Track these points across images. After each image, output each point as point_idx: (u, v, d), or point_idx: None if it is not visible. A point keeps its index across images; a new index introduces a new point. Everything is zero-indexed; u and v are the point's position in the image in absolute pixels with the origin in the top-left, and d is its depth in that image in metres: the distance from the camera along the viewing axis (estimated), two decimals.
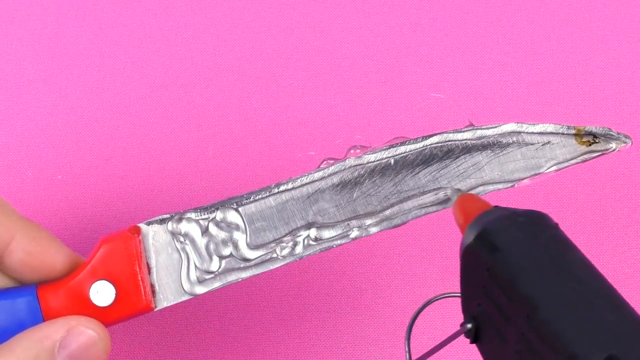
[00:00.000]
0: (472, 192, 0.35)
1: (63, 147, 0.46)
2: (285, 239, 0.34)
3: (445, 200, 0.35)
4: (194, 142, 0.46)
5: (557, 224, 0.28)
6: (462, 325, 0.29)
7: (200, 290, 0.34)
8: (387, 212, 0.35)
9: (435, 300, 0.32)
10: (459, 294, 0.30)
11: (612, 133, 0.34)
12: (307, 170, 0.35)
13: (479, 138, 0.34)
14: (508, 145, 0.35)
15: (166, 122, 0.46)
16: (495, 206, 0.30)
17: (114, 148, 0.46)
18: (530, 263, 0.26)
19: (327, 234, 0.34)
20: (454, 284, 0.30)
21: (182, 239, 0.34)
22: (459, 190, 0.34)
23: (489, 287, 0.27)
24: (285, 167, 0.46)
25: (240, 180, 0.46)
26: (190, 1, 0.47)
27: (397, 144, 0.35)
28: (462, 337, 0.29)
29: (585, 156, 0.34)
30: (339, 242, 0.34)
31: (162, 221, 0.34)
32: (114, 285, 0.32)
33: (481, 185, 0.35)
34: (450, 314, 0.43)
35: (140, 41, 0.47)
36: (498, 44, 0.47)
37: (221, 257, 0.34)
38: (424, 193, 0.35)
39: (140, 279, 0.33)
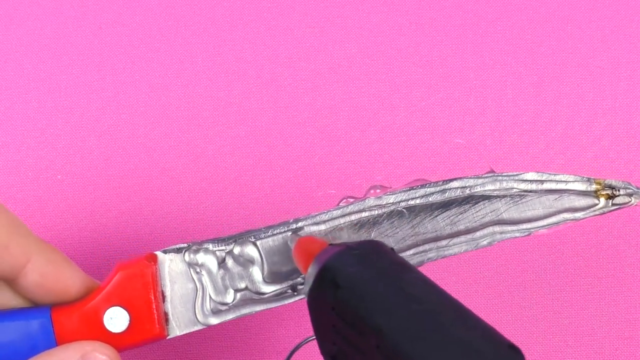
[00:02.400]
0: (488, 238, 0.35)
1: (63, 147, 0.46)
2: (303, 275, 0.34)
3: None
4: (194, 142, 0.46)
5: (392, 249, 0.29)
6: None
7: (213, 321, 0.34)
8: (404, 253, 0.35)
9: (302, 345, 0.32)
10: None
11: (631, 187, 0.34)
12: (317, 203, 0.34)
13: (500, 189, 0.35)
14: (527, 193, 0.35)
15: (166, 122, 0.46)
16: (330, 244, 0.30)
17: (114, 148, 0.46)
18: (370, 293, 0.26)
19: None
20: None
21: (198, 269, 0.34)
22: (296, 235, 0.34)
23: (339, 325, 0.27)
24: (286, 166, 0.46)
25: (241, 181, 0.46)
26: (190, 1, 0.47)
27: (417, 186, 0.35)
28: None
29: (604, 209, 0.34)
30: None
31: (179, 250, 0.34)
32: (128, 312, 0.32)
33: (499, 234, 0.35)
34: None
35: (140, 41, 0.47)
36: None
37: (236, 290, 0.34)
38: (441, 236, 0.35)
39: (154, 307, 0.33)
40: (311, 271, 0.29)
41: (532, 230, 0.35)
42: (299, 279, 0.35)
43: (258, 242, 0.34)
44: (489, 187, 0.34)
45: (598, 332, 0.45)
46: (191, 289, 0.34)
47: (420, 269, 0.34)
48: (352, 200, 0.35)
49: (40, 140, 0.46)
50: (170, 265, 0.34)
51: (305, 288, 0.29)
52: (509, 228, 0.35)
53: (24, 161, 0.46)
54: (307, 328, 0.45)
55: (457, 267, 0.45)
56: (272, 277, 0.34)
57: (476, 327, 0.24)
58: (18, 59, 0.47)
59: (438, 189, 0.35)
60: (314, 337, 0.30)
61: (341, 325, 0.27)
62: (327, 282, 0.27)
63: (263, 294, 0.34)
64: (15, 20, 0.47)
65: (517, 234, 0.35)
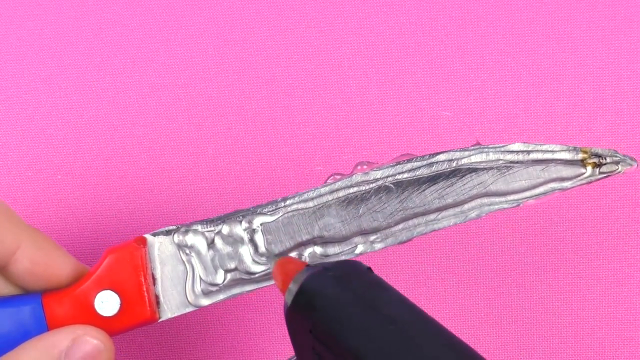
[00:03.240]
0: (476, 210, 0.35)
1: (63, 147, 0.46)
2: (291, 253, 0.34)
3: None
4: (194, 142, 0.46)
5: (369, 268, 0.29)
6: None
7: (204, 302, 0.34)
8: (393, 228, 0.35)
9: None
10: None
11: (617, 155, 0.34)
12: (310, 184, 0.35)
13: (487, 161, 0.35)
14: (514, 164, 0.35)
15: (166, 122, 0.46)
16: (307, 265, 0.30)
17: (114, 148, 0.46)
18: (346, 315, 0.26)
19: (332, 249, 0.34)
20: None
21: (187, 251, 0.34)
22: (276, 255, 0.34)
23: (316, 347, 0.27)
24: (284, 168, 0.46)
25: (241, 181, 0.46)
26: (190, 1, 0.47)
27: (404, 161, 0.35)
28: None
29: (591, 177, 0.35)
30: (344, 257, 0.34)
31: (168, 232, 0.34)
32: (118, 296, 0.32)
33: (487, 205, 0.35)
34: None
35: (140, 41, 0.47)
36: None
37: (226, 270, 0.34)
38: (429, 210, 0.35)
39: (145, 289, 0.33)
40: (289, 292, 0.29)
41: (521, 200, 0.35)
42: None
43: (246, 222, 0.34)
44: (476, 158, 0.35)
45: (597, 335, 0.45)
46: (181, 270, 0.34)
47: (409, 243, 0.35)
48: (339, 177, 0.35)
49: (40, 140, 0.46)
50: (160, 248, 0.34)
51: (284, 309, 0.29)
52: (497, 199, 0.35)
53: (24, 161, 0.46)
54: None
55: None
56: (262, 257, 0.34)
57: (450, 346, 0.25)
58: (18, 59, 0.47)
59: (425, 162, 0.35)
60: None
61: (319, 348, 0.27)
62: (303, 305, 0.28)
63: (253, 273, 0.34)
64: (15, 20, 0.47)
65: (506, 205, 0.35)
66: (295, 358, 0.31)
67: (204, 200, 0.45)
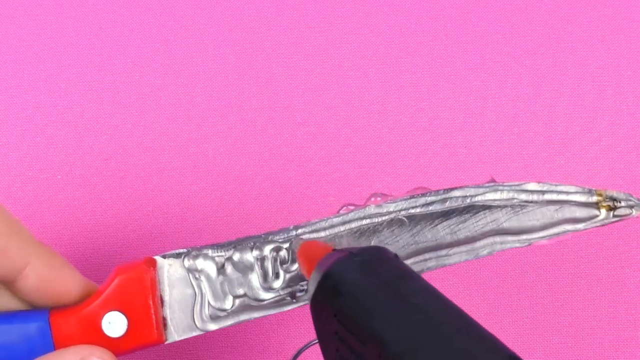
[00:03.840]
0: (488, 248, 0.35)
1: (63, 147, 0.46)
2: (302, 282, 0.34)
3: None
4: (194, 142, 0.46)
5: (396, 255, 0.28)
6: None
7: (212, 327, 0.34)
8: (404, 262, 0.34)
9: (305, 349, 0.32)
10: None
11: (632, 199, 0.34)
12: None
13: (501, 199, 0.34)
14: (528, 203, 0.34)
15: (166, 122, 0.46)
16: (333, 249, 0.30)
17: (114, 148, 0.46)
18: (372, 301, 0.26)
19: None
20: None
21: (197, 275, 0.34)
22: (300, 238, 0.34)
23: (341, 332, 0.27)
24: (284, 168, 0.46)
25: (241, 181, 0.46)
26: (190, 1, 0.47)
27: (418, 194, 0.34)
28: None
29: (605, 220, 0.34)
30: None
31: (179, 255, 0.34)
32: (126, 317, 0.32)
33: (499, 244, 0.35)
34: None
35: (140, 41, 0.47)
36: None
37: (235, 296, 0.34)
38: (441, 245, 0.35)
39: (152, 312, 0.33)
40: (314, 277, 0.28)
41: (533, 240, 0.35)
42: (298, 287, 0.34)
43: (257, 249, 0.34)
44: (490, 196, 0.34)
45: (597, 335, 0.45)
46: (190, 294, 0.34)
47: None
48: (352, 207, 0.35)
49: (40, 140, 0.46)
50: (169, 270, 0.34)
51: (308, 293, 0.29)
52: (510, 238, 0.35)
53: (24, 161, 0.46)
54: (309, 329, 0.45)
55: (454, 268, 0.45)
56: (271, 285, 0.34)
57: (478, 338, 0.24)
58: (18, 59, 0.47)
59: (439, 197, 0.34)
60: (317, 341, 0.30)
61: (343, 333, 0.26)
62: (329, 289, 0.27)
63: (262, 300, 0.34)
64: (15, 20, 0.47)
65: (517, 244, 0.35)
66: (315, 342, 0.31)
67: (204, 200, 0.45)
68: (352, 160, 0.46)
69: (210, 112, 0.46)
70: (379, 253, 0.28)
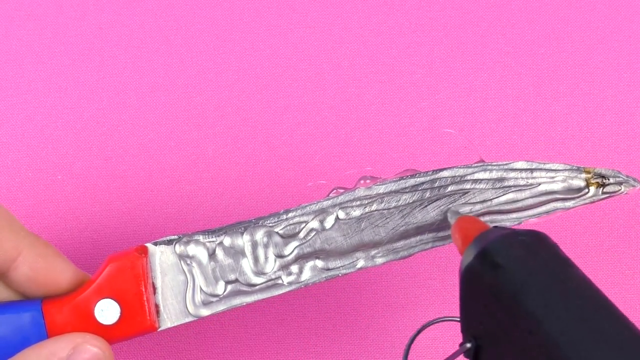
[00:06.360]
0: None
1: (63, 147, 0.46)
2: (292, 266, 0.34)
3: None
4: (194, 142, 0.46)
5: (556, 244, 0.29)
6: (461, 345, 0.29)
7: (204, 312, 0.34)
8: (394, 244, 0.35)
9: (431, 324, 0.32)
10: (454, 318, 0.30)
11: (620, 176, 0.34)
12: (310, 196, 0.35)
13: (490, 179, 0.35)
14: (517, 182, 0.35)
15: (166, 122, 0.46)
16: (495, 226, 0.30)
17: (114, 148, 0.46)
18: (532, 279, 0.26)
19: (333, 263, 0.34)
20: (451, 309, 0.30)
21: (189, 261, 0.34)
22: (457, 212, 0.34)
23: (490, 305, 0.27)
24: (284, 168, 0.46)
25: (241, 181, 0.46)
26: (190, 1, 0.47)
27: (407, 176, 0.35)
28: (461, 358, 0.29)
29: (594, 197, 0.35)
30: (344, 271, 0.35)
31: (170, 242, 0.34)
32: (119, 304, 0.32)
33: (489, 223, 0.35)
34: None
35: (140, 41, 0.47)
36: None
37: (227, 282, 0.34)
38: (431, 226, 0.35)
39: (145, 299, 0.33)
40: (471, 248, 0.29)
41: (522, 219, 0.35)
42: (290, 270, 0.34)
43: (247, 234, 0.34)
44: (479, 176, 0.34)
45: None
46: (182, 280, 0.34)
47: (410, 259, 0.35)
48: (342, 190, 0.35)
49: (40, 140, 0.46)
50: (161, 257, 0.34)
51: (463, 264, 0.29)
52: (499, 217, 0.35)
53: (24, 161, 0.46)
54: (312, 328, 0.45)
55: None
56: (263, 269, 0.34)
57: (628, 332, 0.25)
58: (18, 59, 0.47)
59: (428, 178, 0.35)
60: (443, 319, 0.31)
61: (493, 305, 0.27)
62: (488, 261, 0.28)
63: (253, 285, 0.34)
64: (15, 20, 0.47)
65: (508, 223, 0.35)
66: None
67: (203, 200, 0.45)
68: (343, 150, 0.46)
69: (210, 112, 0.46)
70: (542, 237, 0.29)
